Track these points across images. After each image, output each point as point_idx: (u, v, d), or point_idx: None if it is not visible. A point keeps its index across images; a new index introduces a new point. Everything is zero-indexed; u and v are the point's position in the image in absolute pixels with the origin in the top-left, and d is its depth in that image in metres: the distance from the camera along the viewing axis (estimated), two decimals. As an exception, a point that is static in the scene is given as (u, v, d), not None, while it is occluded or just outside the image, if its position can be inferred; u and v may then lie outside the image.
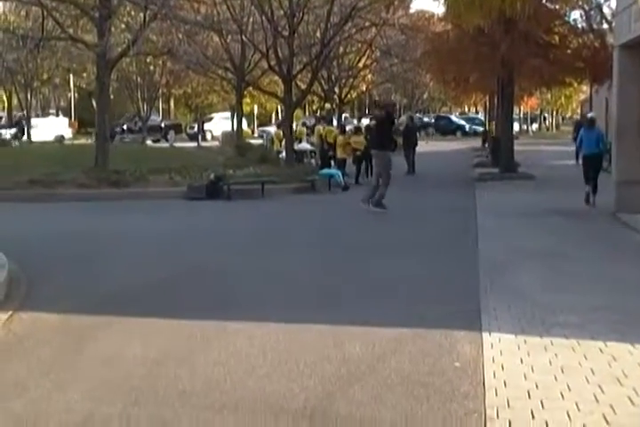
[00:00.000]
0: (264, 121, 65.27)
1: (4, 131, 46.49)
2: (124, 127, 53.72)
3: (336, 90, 43.80)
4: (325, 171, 22.57)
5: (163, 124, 54.54)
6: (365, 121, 50.26)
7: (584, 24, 28.56)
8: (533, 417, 4.74)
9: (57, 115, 59.21)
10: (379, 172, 16.50)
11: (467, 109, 78.51)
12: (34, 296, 8.28)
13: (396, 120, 17.11)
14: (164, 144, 47.22)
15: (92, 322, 7.21)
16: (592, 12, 29.34)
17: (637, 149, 14.98)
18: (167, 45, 27.28)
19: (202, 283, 9.05)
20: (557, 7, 26.98)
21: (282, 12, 28.72)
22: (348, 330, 6.76)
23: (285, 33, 28.54)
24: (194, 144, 44.86)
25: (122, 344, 6.54)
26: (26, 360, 6.12)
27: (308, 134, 34.88)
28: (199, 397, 5.22)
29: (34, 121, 48.92)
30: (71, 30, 24.87)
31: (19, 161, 24.72)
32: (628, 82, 14.87)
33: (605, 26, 28.40)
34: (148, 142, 47.31)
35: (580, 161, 18.05)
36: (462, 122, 64.87)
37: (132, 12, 26.30)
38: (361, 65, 44.47)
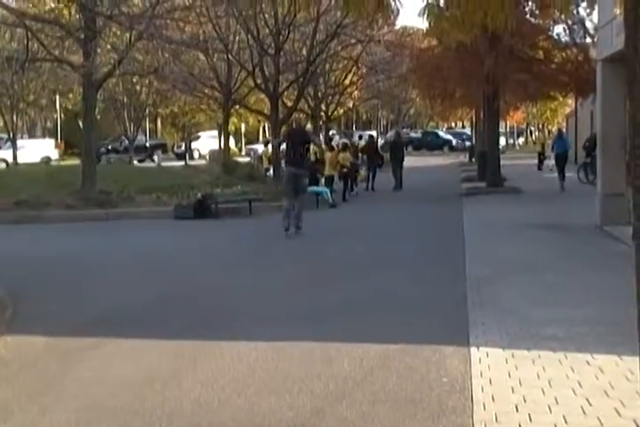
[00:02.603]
0: (252, 139, 65.35)
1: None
2: (109, 147, 53.52)
3: (323, 107, 43.94)
4: (313, 188, 22.57)
5: (148, 144, 54.42)
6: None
7: (567, 38, 28.83)
8: (521, 431, 4.74)
9: (43, 136, 59.11)
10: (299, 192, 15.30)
11: (453, 124, 78.81)
12: (20, 319, 8.25)
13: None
14: (149, 164, 47.18)
15: (78, 344, 7.17)
16: (575, 27, 29.61)
17: (622, 161, 15.05)
18: (153, 65, 27.27)
19: (188, 303, 9.02)
20: (541, 22, 27.17)
21: (267, 31, 28.86)
22: (335, 346, 6.76)
23: (271, 51, 28.67)
24: (181, 163, 44.82)
25: (108, 366, 6.52)
26: (11, 384, 6.09)
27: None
28: (187, 417, 5.20)
29: (20, 142, 48.80)
30: (56, 51, 24.80)
31: (4, 182, 24.66)
32: (612, 95, 14.96)
33: (588, 40, 28.67)
34: (134, 162, 47.26)
35: (553, 159, 26.29)
36: (449, 137, 65.08)
37: (118, 33, 26.27)
38: (347, 82, 44.61)
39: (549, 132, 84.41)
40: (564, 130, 34.95)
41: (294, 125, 16.45)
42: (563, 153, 25.42)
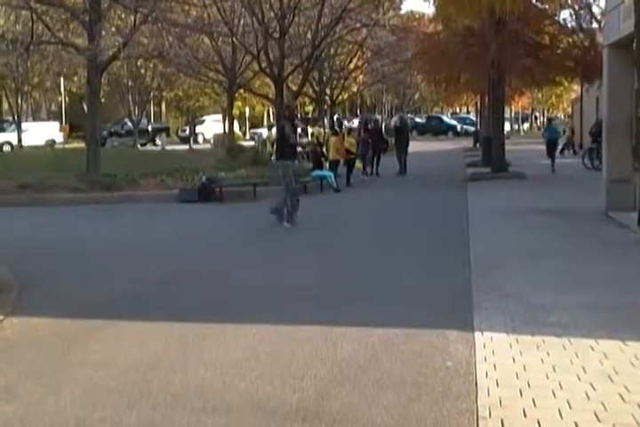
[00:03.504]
0: (255, 123, 65.24)
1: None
2: (111, 130, 53.27)
3: (327, 91, 43.84)
4: (317, 172, 22.56)
5: (150, 128, 54.19)
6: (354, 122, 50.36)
7: (574, 24, 28.66)
8: (525, 416, 4.74)
9: (48, 119, 59.05)
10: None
11: (458, 109, 78.58)
12: (25, 301, 8.28)
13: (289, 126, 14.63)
14: (151, 147, 47.16)
15: (84, 326, 7.19)
16: (582, 12, 29.44)
17: (628, 147, 15.02)
18: (158, 48, 27.18)
19: (193, 286, 9.04)
20: (547, 7, 27.05)
21: (272, 14, 28.75)
22: (339, 330, 6.76)
23: (276, 35, 28.56)
24: (186, 147, 44.80)
25: (113, 348, 6.53)
26: (17, 365, 6.10)
27: (300, 135, 34.85)
28: (191, 400, 5.21)
29: (24, 125, 48.80)
30: (61, 34, 24.78)
31: (10, 165, 24.67)
32: (618, 81, 14.90)
33: (595, 25, 28.50)
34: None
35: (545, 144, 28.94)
36: (454, 122, 64.88)
37: (123, 16, 26.20)
38: (352, 66, 44.53)
39: (555, 117, 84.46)
40: (570, 115, 35.31)
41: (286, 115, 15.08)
42: (552, 139, 28.30)
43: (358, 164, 25.82)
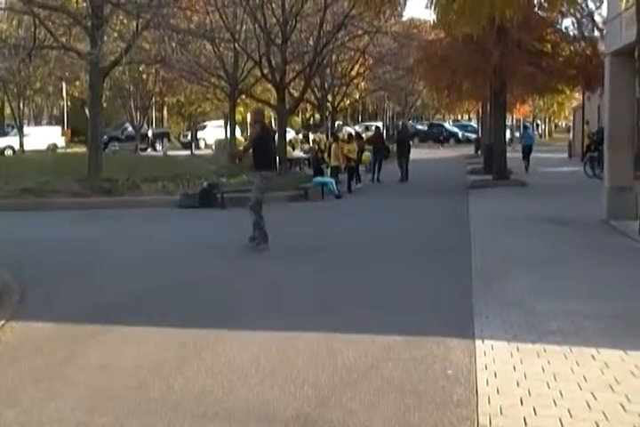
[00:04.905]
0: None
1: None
2: (111, 135, 53.05)
3: (329, 98, 43.88)
4: (319, 179, 22.58)
5: (150, 133, 54.12)
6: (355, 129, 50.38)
7: (576, 32, 28.71)
8: (526, 424, 4.74)
9: (50, 124, 59.09)
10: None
11: (460, 117, 78.63)
12: (26, 305, 8.27)
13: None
14: (151, 153, 47.17)
15: (84, 331, 7.19)
16: (584, 20, 29.48)
17: (629, 155, 15.05)
18: (160, 54, 27.26)
19: (194, 292, 9.03)
20: (549, 15, 27.09)
21: (274, 20, 28.77)
22: (339, 338, 6.76)
23: (278, 41, 28.58)
24: (187, 152, 44.81)
25: (114, 353, 6.53)
26: (18, 370, 6.10)
27: (302, 142, 34.97)
28: (192, 406, 5.20)
29: (26, 130, 48.85)
30: (64, 39, 24.82)
31: (11, 170, 24.69)
32: (620, 89, 14.93)
33: (597, 33, 28.54)
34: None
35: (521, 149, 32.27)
36: (455, 129, 64.90)
37: (125, 21, 26.27)
38: (354, 73, 44.56)
39: (556, 126, 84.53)
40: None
41: (261, 124, 12.94)
42: (528, 144, 31.72)
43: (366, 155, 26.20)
